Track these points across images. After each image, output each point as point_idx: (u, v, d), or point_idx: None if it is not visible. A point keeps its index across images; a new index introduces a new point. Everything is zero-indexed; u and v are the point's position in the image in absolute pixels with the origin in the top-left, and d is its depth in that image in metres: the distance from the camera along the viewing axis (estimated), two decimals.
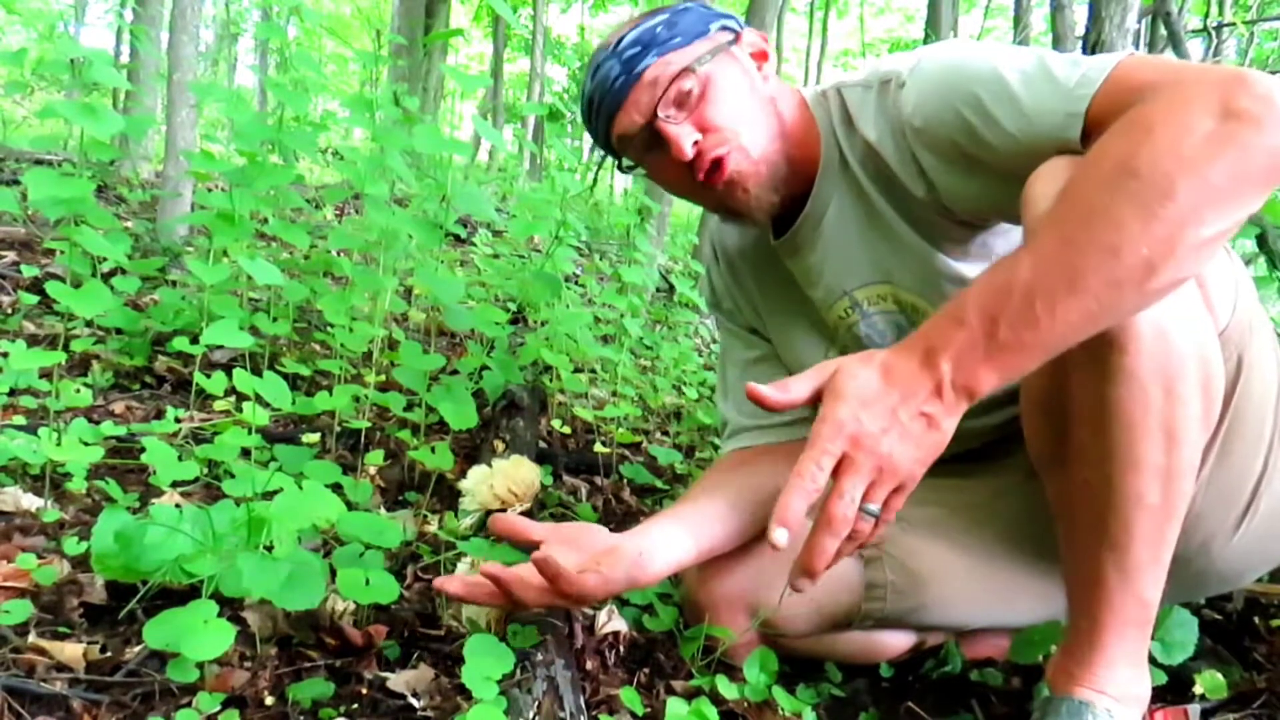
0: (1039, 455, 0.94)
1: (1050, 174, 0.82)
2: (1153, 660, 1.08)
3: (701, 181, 1.04)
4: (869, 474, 0.77)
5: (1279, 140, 0.71)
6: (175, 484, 1.33)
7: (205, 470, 1.39)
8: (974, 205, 0.98)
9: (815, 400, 0.81)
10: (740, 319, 1.31)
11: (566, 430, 2.03)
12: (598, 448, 1.89)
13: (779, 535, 0.76)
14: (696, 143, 1.02)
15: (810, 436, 0.78)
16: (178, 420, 1.59)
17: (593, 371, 2.39)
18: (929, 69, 0.96)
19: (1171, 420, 0.83)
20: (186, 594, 1.00)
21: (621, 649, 1.16)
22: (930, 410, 0.77)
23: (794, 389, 0.81)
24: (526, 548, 1.02)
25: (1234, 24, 5.95)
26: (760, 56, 1.08)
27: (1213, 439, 0.93)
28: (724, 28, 1.06)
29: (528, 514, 1.39)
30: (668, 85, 1.01)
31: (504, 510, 1.36)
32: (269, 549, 0.99)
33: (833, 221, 1.10)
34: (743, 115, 1.03)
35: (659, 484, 1.83)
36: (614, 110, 1.05)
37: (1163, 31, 4.38)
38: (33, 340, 1.89)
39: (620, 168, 1.14)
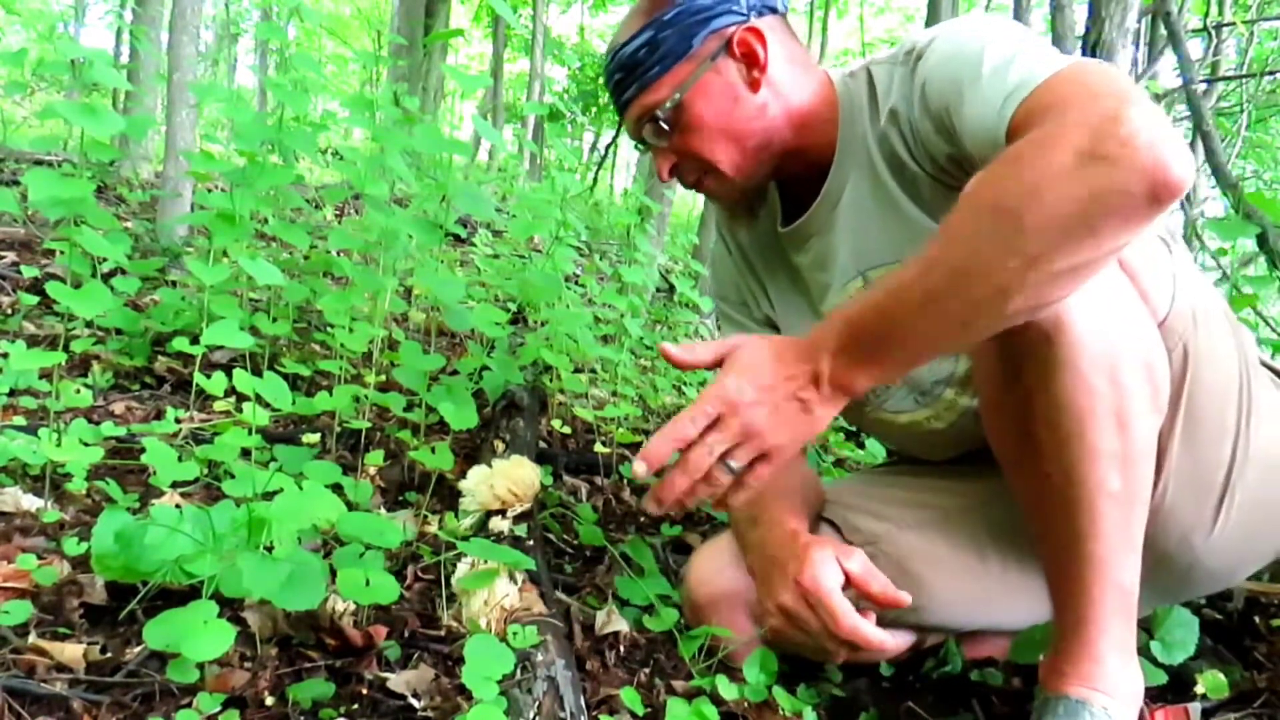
0: (1002, 455, 0.96)
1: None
2: (1153, 660, 1.08)
3: None
4: (734, 436, 0.85)
5: (1131, 185, 0.72)
6: (175, 484, 1.33)
7: (205, 470, 1.39)
8: (961, 178, 0.99)
9: (716, 365, 0.89)
10: (755, 312, 1.31)
11: (566, 430, 2.03)
12: (598, 448, 1.89)
13: (639, 468, 0.85)
14: (671, 167, 1.13)
15: (698, 396, 0.88)
16: (178, 421, 1.59)
17: (593, 371, 2.38)
18: (940, 47, 0.98)
19: (1120, 406, 0.86)
20: (187, 594, 1.00)
21: (621, 649, 1.16)
22: (805, 397, 0.85)
23: (699, 352, 0.90)
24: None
25: (1234, 23, 5.94)
26: (751, 58, 1.07)
27: (1171, 428, 0.95)
28: (714, 32, 1.06)
29: (527, 514, 1.39)
30: (645, 121, 1.10)
31: (503, 511, 1.36)
32: (269, 549, 0.99)
33: (849, 202, 1.11)
34: (717, 141, 1.09)
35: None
36: (620, 116, 1.15)
37: (1163, 31, 4.38)
38: (33, 341, 1.89)
39: (636, 146, 1.21)
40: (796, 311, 1.24)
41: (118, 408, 1.66)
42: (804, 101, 1.10)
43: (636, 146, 1.19)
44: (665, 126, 1.09)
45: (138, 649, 0.94)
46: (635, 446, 2.08)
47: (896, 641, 0.95)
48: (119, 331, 1.94)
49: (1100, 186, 0.72)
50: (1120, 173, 0.72)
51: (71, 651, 0.93)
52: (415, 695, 0.95)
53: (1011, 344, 0.85)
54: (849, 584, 0.99)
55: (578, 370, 2.20)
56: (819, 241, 1.16)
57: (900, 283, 0.81)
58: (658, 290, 3.82)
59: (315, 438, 1.60)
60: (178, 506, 1.07)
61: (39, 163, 3.77)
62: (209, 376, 1.50)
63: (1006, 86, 0.86)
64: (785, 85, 1.09)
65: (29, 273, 2.27)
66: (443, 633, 1.10)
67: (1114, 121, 0.73)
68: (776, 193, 1.23)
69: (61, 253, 2.19)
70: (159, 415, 1.65)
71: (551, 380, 2.14)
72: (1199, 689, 1.10)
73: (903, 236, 1.07)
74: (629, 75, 1.09)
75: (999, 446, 0.96)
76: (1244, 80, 5.88)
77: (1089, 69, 0.85)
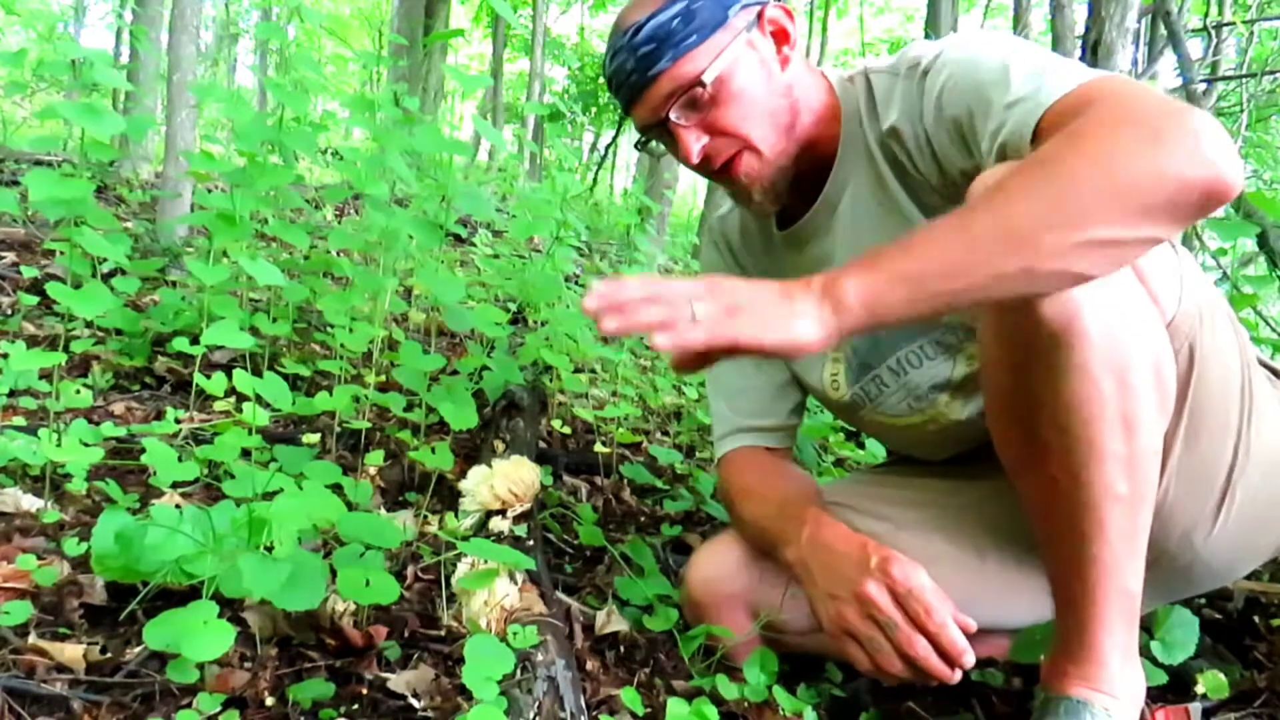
0: (1008, 459, 0.96)
1: (988, 178, 0.84)
2: (1154, 660, 1.08)
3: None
4: (706, 290, 0.77)
5: (1193, 173, 0.73)
6: (175, 485, 1.33)
7: (205, 471, 1.39)
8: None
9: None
10: None
11: (566, 430, 2.03)
12: (598, 448, 1.89)
13: (589, 299, 0.75)
14: (704, 146, 1.05)
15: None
16: (178, 421, 1.59)
17: (593, 371, 2.39)
18: (950, 58, 0.97)
19: (1128, 409, 0.85)
20: (187, 595, 1.00)
21: (621, 649, 1.16)
22: (789, 289, 0.77)
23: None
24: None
25: (1234, 23, 5.94)
26: (781, 36, 1.07)
27: (1175, 428, 0.95)
28: (745, 6, 1.05)
29: (527, 514, 1.39)
30: (679, 94, 1.02)
31: (504, 511, 1.36)
32: (269, 550, 0.99)
33: (848, 206, 1.11)
34: (754, 116, 1.04)
35: (659, 484, 1.83)
36: (629, 101, 1.07)
37: (1163, 31, 4.38)
38: (33, 341, 1.89)
39: (636, 145, 1.16)
40: None
41: (118, 408, 1.66)
42: (815, 93, 1.10)
43: (639, 143, 1.15)
44: (703, 98, 1.03)
45: (138, 649, 0.94)
46: (635, 447, 2.08)
47: (968, 666, 0.90)
48: (119, 332, 1.94)
49: (1164, 164, 0.73)
50: (1185, 158, 0.73)
51: (71, 651, 0.93)
52: (415, 695, 0.95)
53: (1020, 345, 0.84)
54: None
55: (578, 370, 2.20)
56: (818, 244, 1.16)
57: (939, 225, 0.78)
58: None
59: (315, 438, 1.60)
60: (178, 506, 1.07)
61: (39, 163, 3.77)
62: (209, 376, 1.50)
63: (1042, 86, 0.86)
64: (802, 73, 1.09)
65: (29, 273, 2.27)
66: (443, 633, 1.10)
67: (1183, 114, 0.74)
68: None
69: (61, 253, 2.19)
70: (159, 415, 1.65)
71: (551, 380, 2.14)
72: (1199, 689, 1.11)
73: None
74: (661, 45, 1.02)
75: (1004, 448, 0.96)
76: (1244, 80, 5.87)
77: (1126, 79, 0.86)
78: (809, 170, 1.11)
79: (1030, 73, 0.88)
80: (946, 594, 1.13)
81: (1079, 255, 0.75)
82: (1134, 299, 0.87)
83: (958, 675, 0.92)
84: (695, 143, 1.04)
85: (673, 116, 1.04)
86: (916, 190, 1.04)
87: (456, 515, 1.40)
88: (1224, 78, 5.73)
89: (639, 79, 1.04)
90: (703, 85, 1.01)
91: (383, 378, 1.79)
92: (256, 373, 1.60)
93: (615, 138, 7.49)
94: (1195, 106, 0.78)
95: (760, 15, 1.05)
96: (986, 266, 0.75)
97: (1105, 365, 0.83)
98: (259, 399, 1.26)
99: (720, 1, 1.03)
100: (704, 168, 1.09)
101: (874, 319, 0.76)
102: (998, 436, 0.95)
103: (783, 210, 1.20)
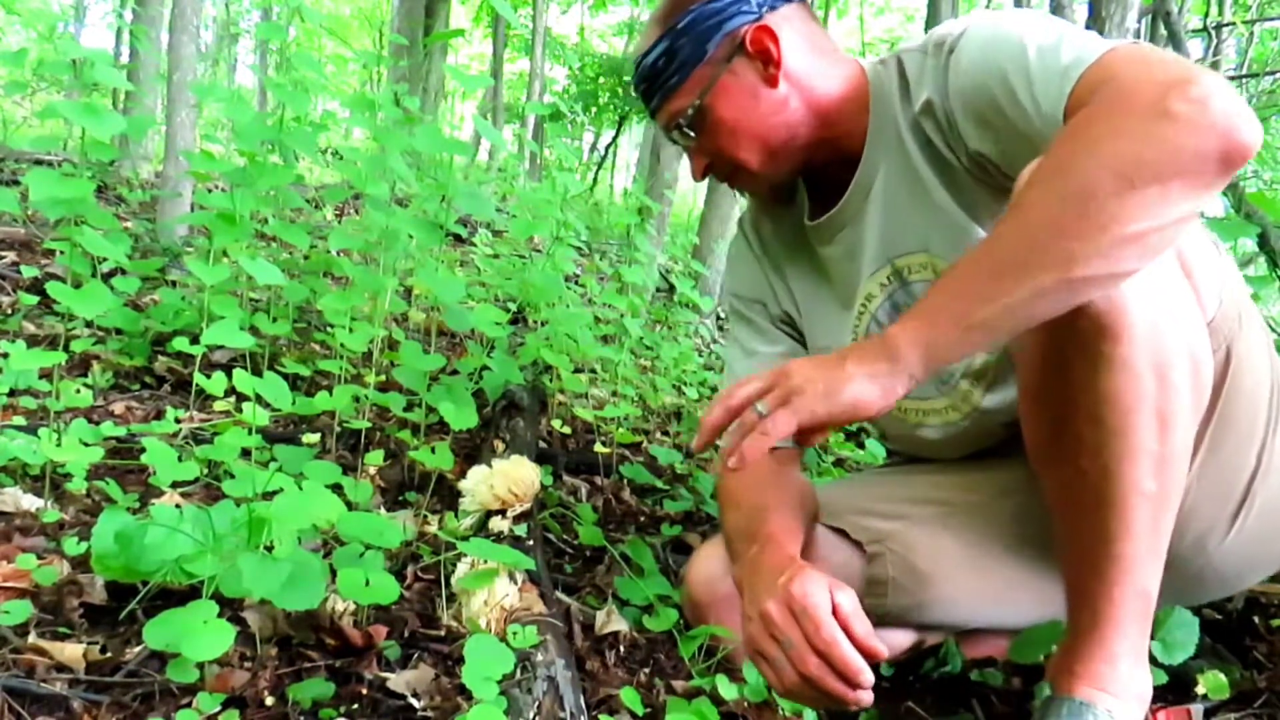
0: (1036, 449, 0.95)
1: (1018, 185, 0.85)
2: (1154, 660, 1.08)
3: None
4: (769, 381, 0.86)
5: (1205, 143, 0.73)
6: (175, 484, 1.33)
7: (205, 470, 1.39)
8: (1002, 168, 0.98)
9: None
10: (772, 308, 1.30)
11: (566, 430, 2.03)
12: (598, 448, 1.89)
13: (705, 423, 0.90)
14: (706, 165, 1.16)
15: None
16: (178, 420, 1.59)
17: (593, 371, 2.39)
18: (974, 35, 0.97)
19: (1165, 406, 0.84)
20: (187, 594, 1.00)
21: (621, 649, 1.16)
22: (844, 352, 0.85)
23: (745, 389, 0.89)
24: None
25: (1234, 24, 5.95)
26: (766, 56, 1.07)
27: (1203, 430, 0.94)
28: (728, 34, 1.06)
29: (527, 514, 1.39)
30: (672, 126, 1.13)
31: (503, 511, 1.36)
32: (269, 549, 0.99)
33: (880, 190, 1.11)
34: (741, 142, 1.11)
35: (659, 484, 1.83)
36: (651, 119, 1.19)
37: (1163, 31, 4.38)
38: (33, 340, 1.89)
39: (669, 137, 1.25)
40: (822, 305, 1.24)
41: (118, 408, 1.66)
42: (830, 90, 1.10)
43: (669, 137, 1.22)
44: (690, 131, 1.11)
45: (138, 649, 0.94)
46: (635, 447, 2.08)
47: (868, 688, 0.89)
48: (119, 331, 1.94)
49: (1173, 144, 0.73)
50: (1193, 130, 0.72)
51: (71, 651, 0.93)
52: (415, 695, 0.95)
53: (1062, 333, 0.83)
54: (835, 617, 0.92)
55: (578, 370, 2.20)
56: (849, 233, 1.15)
57: (968, 256, 0.81)
58: (658, 290, 3.82)
59: (315, 438, 1.60)
60: (178, 506, 1.07)
61: (39, 163, 3.77)
62: (209, 376, 1.50)
63: (1060, 65, 0.86)
64: (808, 76, 1.09)
65: (29, 273, 2.27)
66: (443, 633, 1.10)
67: (1186, 83, 0.74)
68: (803, 186, 1.23)
69: (61, 253, 2.19)
70: (159, 415, 1.65)
71: (551, 380, 2.14)
72: (1199, 689, 1.10)
73: (932, 224, 1.06)
74: (651, 85, 1.12)
75: (1032, 437, 0.94)
76: (1244, 80, 5.88)
77: (1145, 46, 0.86)
78: (834, 161, 1.12)
79: (1052, 53, 0.88)
80: (959, 599, 1.12)
81: (1113, 255, 0.75)
82: (1179, 295, 0.86)
83: (864, 697, 0.87)
84: (698, 163, 1.16)
85: (677, 139, 1.14)
86: (949, 174, 1.04)
87: (456, 515, 1.40)
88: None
89: (645, 107, 1.16)
90: (681, 125, 1.11)
91: (383, 378, 1.79)
92: (256, 372, 1.60)
93: (615, 138, 7.50)
94: (1200, 68, 0.77)
95: (744, 40, 1.07)
96: (1023, 286, 0.77)
97: (1147, 360, 0.83)
98: (259, 399, 1.26)
99: (699, 36, 1.07)
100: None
101: (932, 359, 0.81)
102: (1027, 425, 0.94)
103: (815, 200, 1.20)
